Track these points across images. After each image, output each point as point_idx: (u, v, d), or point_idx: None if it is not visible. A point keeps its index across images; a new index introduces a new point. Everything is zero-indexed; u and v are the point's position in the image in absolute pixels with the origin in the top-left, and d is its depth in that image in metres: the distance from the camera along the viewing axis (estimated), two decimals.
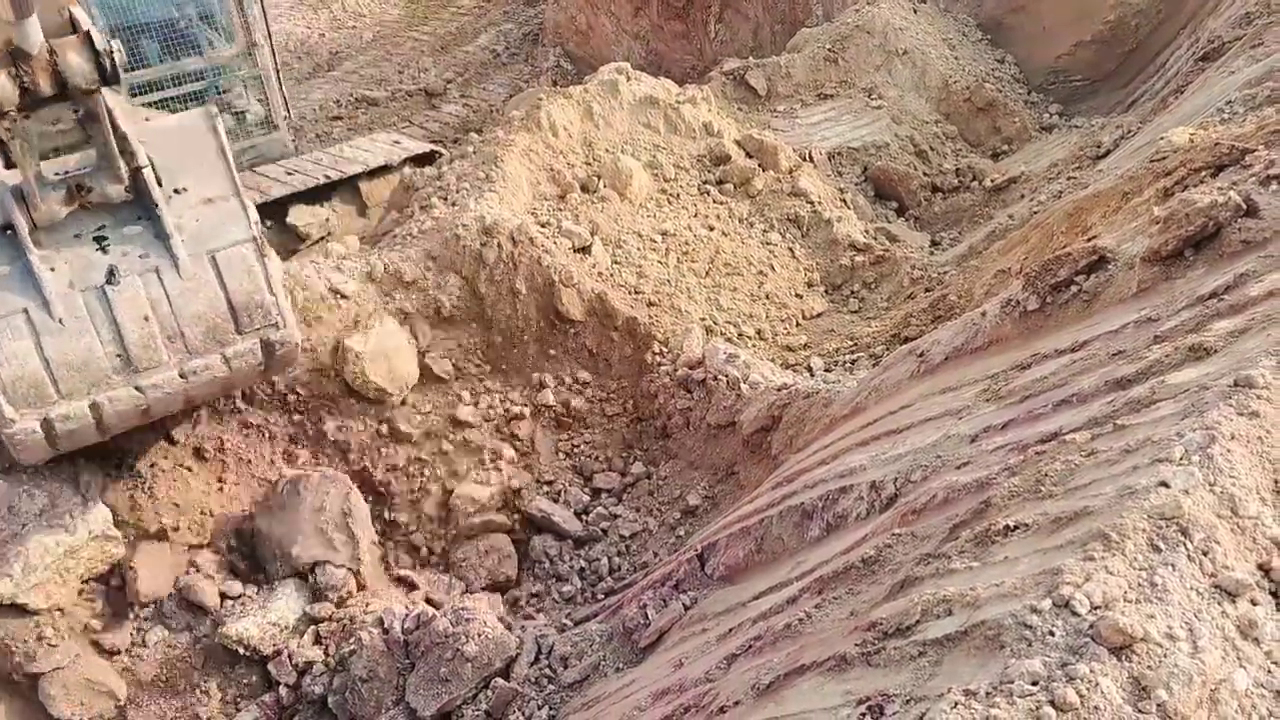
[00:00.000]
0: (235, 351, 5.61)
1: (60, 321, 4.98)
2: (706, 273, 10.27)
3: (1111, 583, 3.02)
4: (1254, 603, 3.10)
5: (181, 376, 5.43)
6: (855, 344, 9.64)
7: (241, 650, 7.06)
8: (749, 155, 11.55)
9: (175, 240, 5.11)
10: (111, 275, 4.91)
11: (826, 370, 9.22)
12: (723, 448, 8.34)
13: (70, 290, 5.00)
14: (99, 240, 5.13)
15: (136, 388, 5.37)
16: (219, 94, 12.00)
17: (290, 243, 11.95)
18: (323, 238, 12.00)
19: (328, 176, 12.29)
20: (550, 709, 6.16)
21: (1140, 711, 2.74)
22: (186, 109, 11.66)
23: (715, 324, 9.76)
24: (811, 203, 11.18)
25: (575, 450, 8.98)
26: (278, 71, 12.47)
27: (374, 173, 12.64)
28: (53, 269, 5.00)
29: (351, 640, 6.89)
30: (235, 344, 5.61)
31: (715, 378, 8.67)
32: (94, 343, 5.07)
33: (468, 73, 18.34)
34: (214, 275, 5.33)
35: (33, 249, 4.97)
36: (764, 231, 10.93)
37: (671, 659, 5.46)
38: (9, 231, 5.08)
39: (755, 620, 4.92)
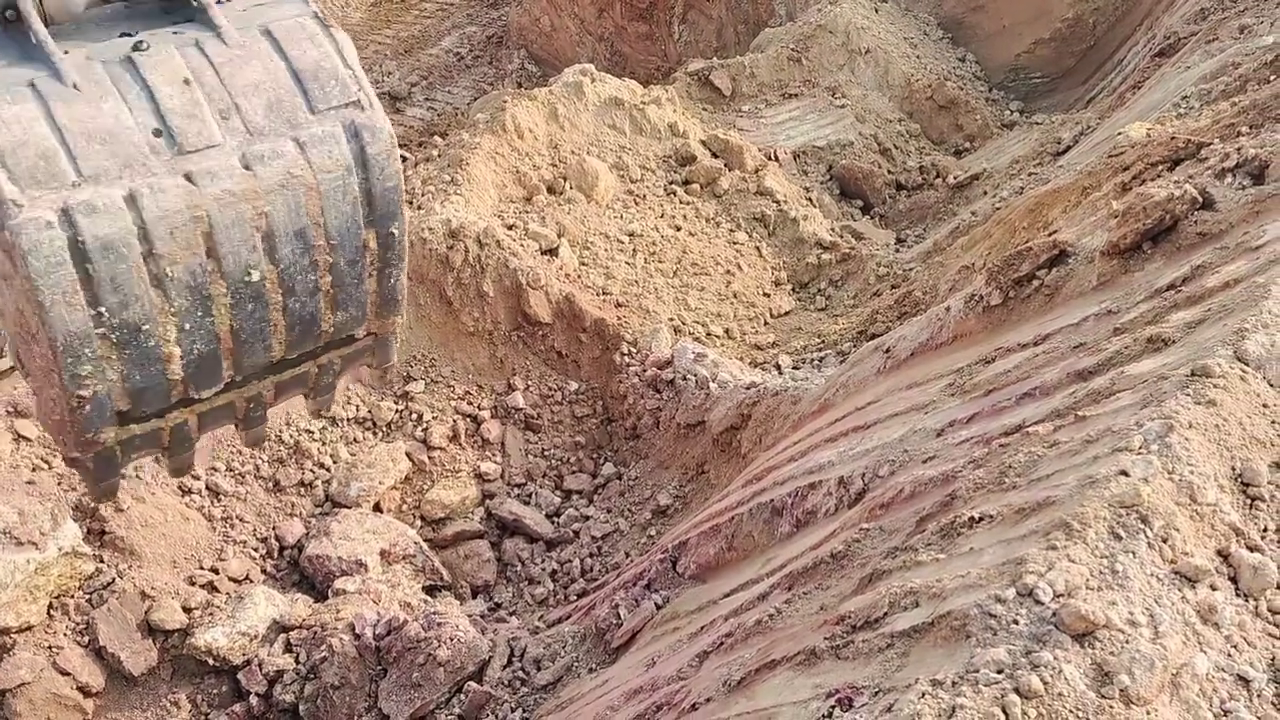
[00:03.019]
0: (311, 136, 4.16)
1: (75, 87, 3.80)
2: (674, 273, 10.29)
3: (1074, 571, 3.06)
4: (1213, 588, 3.16)
5: (245, 167, 4.02)
6: (823, 341, 9.70)
7: (211, 661, 7.00)
8: (714, 155, 11.59)
9: (215, 11, 4.01)
10: (139, 45, 3.78)
11: (794, 368, 9.27)
12: (692, 447, 8.37)
13: (88, 61, 3.90)
14: (125, 36, 4.01)
15: (187, 176, 3.99)
16: None
17: None
18: None
19: None
20: (524, 711, 6.15)
21: (1103, 697, 2.78)
22: None
23: (683, 324, 9.79)
24: (778, 202, 11.23)
25: (546, 452, 8.98)
26: None
27: None
28: (66, 52, 3.88)
29: (323, 647, 6.85)
30: (310, 126, 4.16)
31: (684, 377, 8.69)
32: (120, 109, 3.82)
33: (432, 76, 18.27)
34: (269, 45, 4.12)
35: (41, 28, 3.87)
36: (731, 231, 10.97)
37: (644, 658, 5.47)
38: (13, 20, 3.91)
39: (726, 617, 4.94)
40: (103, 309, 4.00)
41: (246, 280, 4.35)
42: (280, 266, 4.41)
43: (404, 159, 12.84)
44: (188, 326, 4.29)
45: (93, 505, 7.34)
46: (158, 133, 3.85)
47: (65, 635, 7.04)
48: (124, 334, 4.13)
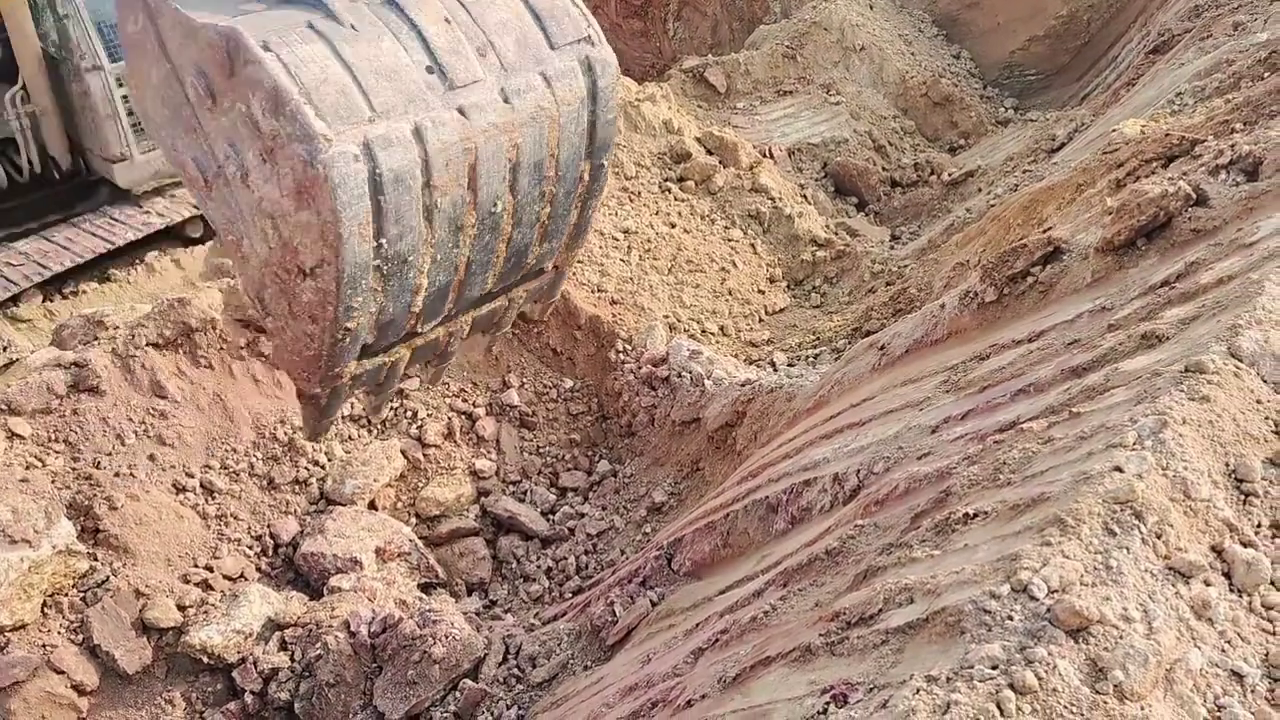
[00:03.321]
0: (555, 71, 4.39)
1: (353, 28, 3.88)
2: (669, 270, 10.29)
3: (1068, 567, 3.06)
4: (1207, 584, 3.16)
5: (504, 100, 4.22)
6: (817, 338, 9.71)
7: (205, 659, 6.99)
8: (709, 152, 11.59)
9: None
10: None
11: (789, 365, 9.27)
12: (687, 444, 8.37)
13: (354, 2, 3.98)
14: None
15: (459, 110, 4.14)
16: None
17: None
18: None
19: None
20: (519, 709, 6.15)
21: (1097, 692, 2.79)
22: None
23: (678, 321, 9.79)
24: (772, 199, 11.23)
25: (541, 450, 8.98)
26: None
27: None
28: None
29: (317, 645, 6.84)
30: (552, 61, 4.42)
31: (679, 374, 8.69)
32: (396, 47, 3.95)
33: None
34: None
35: None
36: (725, 228, 10.97)
37: (639, 655, 5.47)
38: None
39: (722, 614, 4.94)
40: (383, 240, 3.99)
41: (491, 211, 4.39)
42: (517, 198, 4.45)
43: None
44: (439, 258, 4.30)
45: (87, 503, 7.33)
46: (430, 69, 4.00)
47: (59, 634, 7.03)
48: (393, 265, 4.10)
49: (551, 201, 4.60)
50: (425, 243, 4.09)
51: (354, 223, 3.72)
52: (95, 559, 7.28)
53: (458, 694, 6.33)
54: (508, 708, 6.13)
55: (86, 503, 7.35)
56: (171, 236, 11.53)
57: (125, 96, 11.08)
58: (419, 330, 4.43)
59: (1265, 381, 3.75)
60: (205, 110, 3.97)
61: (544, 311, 5.42)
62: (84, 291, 10.96)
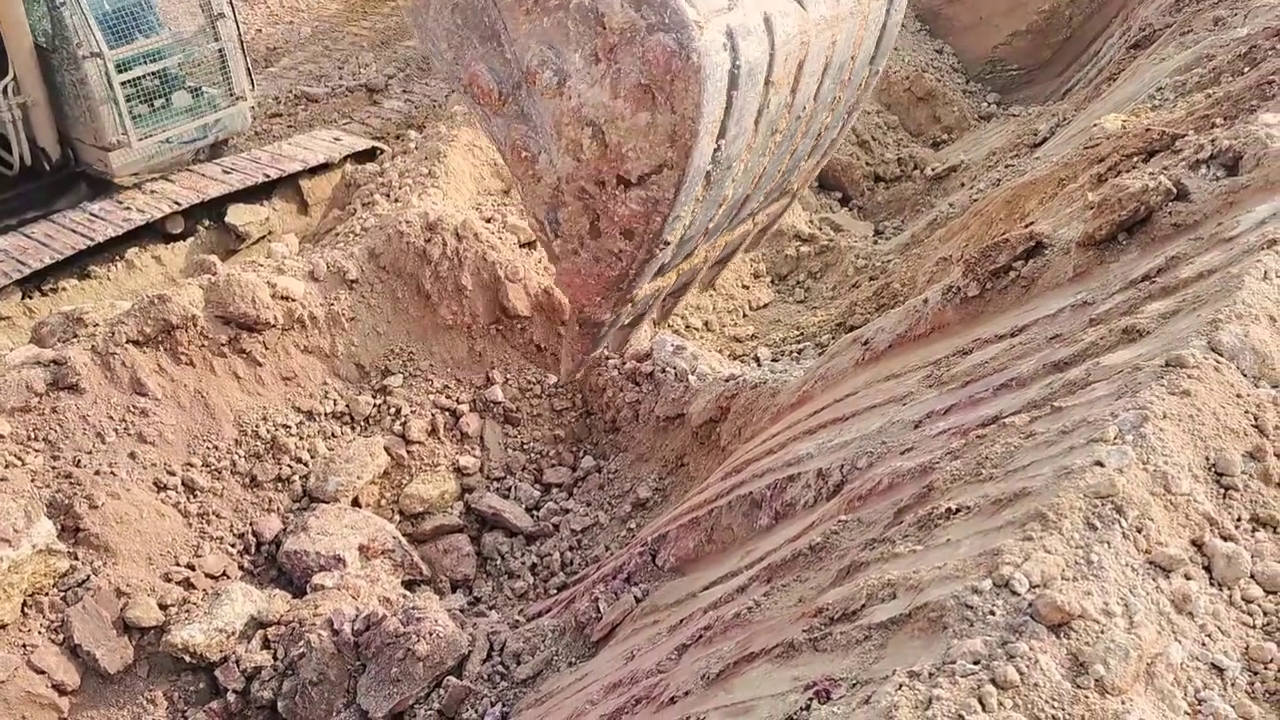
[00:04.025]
0: None
1: None
2: None
3: (1049, 561, 3.07)
4: (1188, 577, 3.18)
5: None
6: (801, 333, 9.72)
7: (188, 658, 6.95)
8: None
9: None
10: None
11: (774, 360, 9.28)
12: (672, 440, 8.36)
13: None
14: None
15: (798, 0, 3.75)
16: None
17: (229, 243, 11.76)
18: (263, 237, 11.82)
19: (267, 175, 12.09)
20: (504, 705, 6.14)
21: (1079, 687, 2.79)
22: (161, 90, 11.50)
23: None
24: None
25: (525, 446, 8.96)
26: (242, 42, 12.26)
27: (315, 170, 12.47)
28: None
29: (301, 643, 6.81)
30: None
31: (663, 370, 8.69)
32: None
33: (409, 68, 18.14)
34: None
35: None
36: None
37: (623, 651, 5.46)
38: None
39: (705, 610, 4.94)
40: (722, 142, 3.74)
41: (799, 115, 4.16)
42: (818, 102, 4.22)
43: (381, 151, 12.78)
44: (748, 166, 4.07)
45: (67, 502, 7.27)
46: None
47: (40, 633, 6.98)
48: (719, 171, 3.84)
49: (833, 109, 4.35)
50: (748, 148, 3.83)
51: (710, 119, 3.44)
52: (76, 558, 7.23)
53: (441, 691, 6.31)
54: (492, 705, 6.12)
55: (67, 501, 7.30)
56: (152, 233, 11.45)
57: (125, 83, 11.07)
58: (700, 248, 4.21)
59: (1245, 375, 3.77)
60: (519, 13, 3.68)
61: (755, 244, 5.05)
62: (63, 288, 10.88)
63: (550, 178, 3.83)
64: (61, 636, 6.98)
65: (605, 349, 4.77)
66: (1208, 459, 3.51)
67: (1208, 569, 3.24)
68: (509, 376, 9.08)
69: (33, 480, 7.36)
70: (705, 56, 3.34)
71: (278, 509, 8.07)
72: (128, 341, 8.02)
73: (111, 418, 7.81)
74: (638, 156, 3.54)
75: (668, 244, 3.84)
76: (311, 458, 8.33)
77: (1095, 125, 8.53)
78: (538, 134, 3.80)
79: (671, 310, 4.83)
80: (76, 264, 10.98)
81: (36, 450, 7.52)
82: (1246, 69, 7.80)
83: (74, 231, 11.05)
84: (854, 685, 3.15)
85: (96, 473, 7.54)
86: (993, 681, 2.81)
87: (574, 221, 3.90)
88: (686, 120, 3.39)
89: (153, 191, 11.70)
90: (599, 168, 3.65)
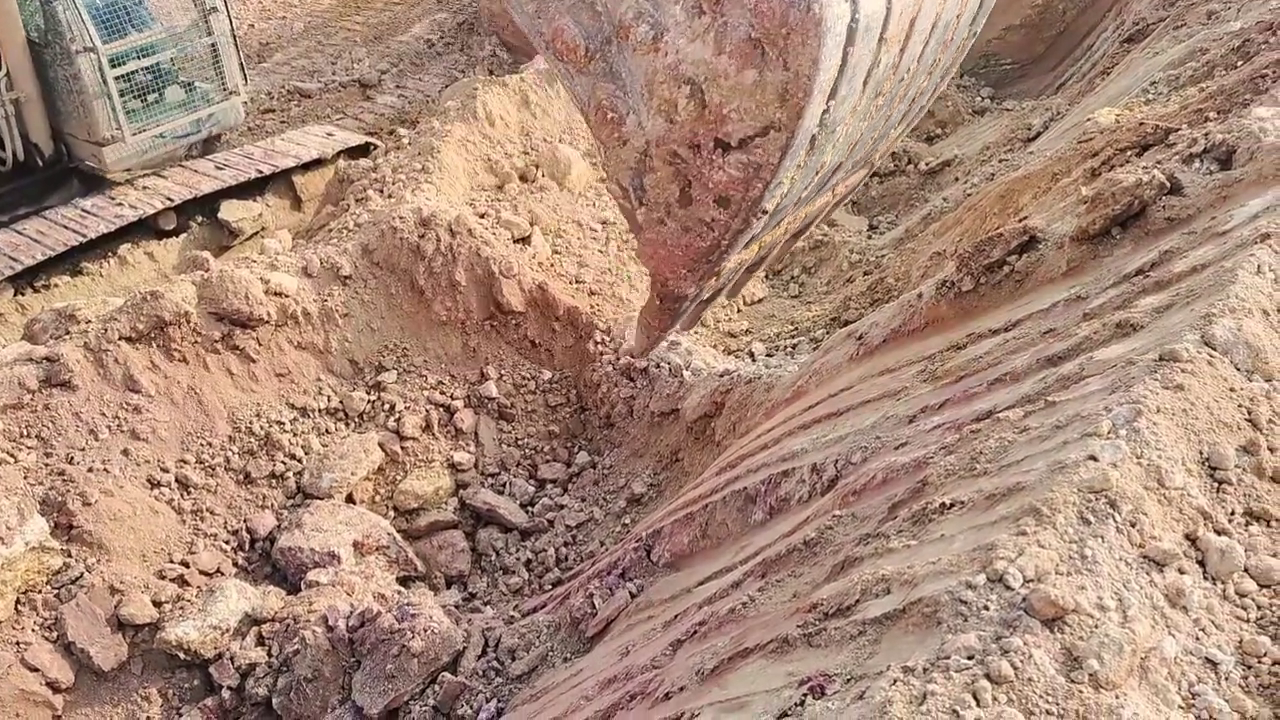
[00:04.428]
0: None
1: None
2: None
3: (1043, 556, 3.07)
4: (1181, 572, 3.17)
5: None
6: (796, 328, 9.71)
7: (182, 655, 6.94)
8: None
9: None
10: None
11: (768, 355, 9.27)
12: (666, 435, 8.36)
13: None
14: None
15: None
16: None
17: (222, 239, 11.73)
18: (256, 233, 11.79)
19: (260, 171, 12.07)
20: (499, 701, 6.14)
21: (1073, 681, 2.79)
22: (154, 85, 11.48)
23: None
24: None
25: (519, 442, 8.95)
26: (234, 36, 12.24)
27: (308, 166, 12.44)
28: None
29: (295, 640, 6.80)
30: None
31: (657, 365, 8.68)
32: None
33: (402, 63, 18.10)
34: None
35: None
36: None
37: (618, 647, 5.46)
38: None
39: (700, 605, 4.93)
40: (831, 103, 3.47)
41: (903, 78, 3.88)
42: (919, 65, 3.94)
43: (374, 147, 12.75)
44: (848, 131, 3.81)
45: (60, 499, 7.25)
46: None
47: (33, 631, 6.97)
48: (824, 135, 3.54)
49: (930, 72, 4.13)
50: (852, 110, 3.59)
51: (825, 78, 3.18)
52: (69, 555, 7.21)
53: (437, 687, 6.30)
54: (487, 700, 6.12)
55: (60, 499, 7.28)
56: (145, 229, 11.42)
57: (118, 78, 11.05)
58: (787, 219, 3.97)
59: (1238, 369, 3.77)
60: None
61: (827, 218, 4.79)
62: (55, 285, 10.85)
63: (638, 141, 3.61)
64: (55, 634, 6.97)
65: (680, 326, 4.49)
66: (1201, 453, 3.51)
67: (1201, 563, 3.24)
68: (503, 372, 9.07)
69: (25, 477, 7.33)
70: (826, 8, 3.11)
71: (272, 505, 8.06)
72: (120, 338, 8.00)
73: (104, 414, 7.79)
74: (740, 118, 3.33)
75: (765, 213, 3.62)
76: (305, 454, 8.31)
77: (1089, 119, 8.53)
78: (627, 94, 3.55)
79: (743, 286, 4.60)
80: (69, 260, 10.96)
81: (29, 447, 7.50)
82: (1240, 63, 7.80)
83: (66, 228, 11.03)
84: (848, 681, 3.14)
85: (89, 470, 7.52)
86: (987, 676, 2.80)
87: (662, 188, 3.64)
88: (801, 78, 3.16)
89: (145, 187, 11.68)
90: (695, 130, 3.43)
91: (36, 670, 6.80)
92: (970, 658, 2.88)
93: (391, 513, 8.36)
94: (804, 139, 3.36)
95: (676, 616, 5.12)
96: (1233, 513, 3.40)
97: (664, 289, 4.16)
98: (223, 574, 7.61)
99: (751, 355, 9.33)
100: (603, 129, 3.71)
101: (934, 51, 3.98)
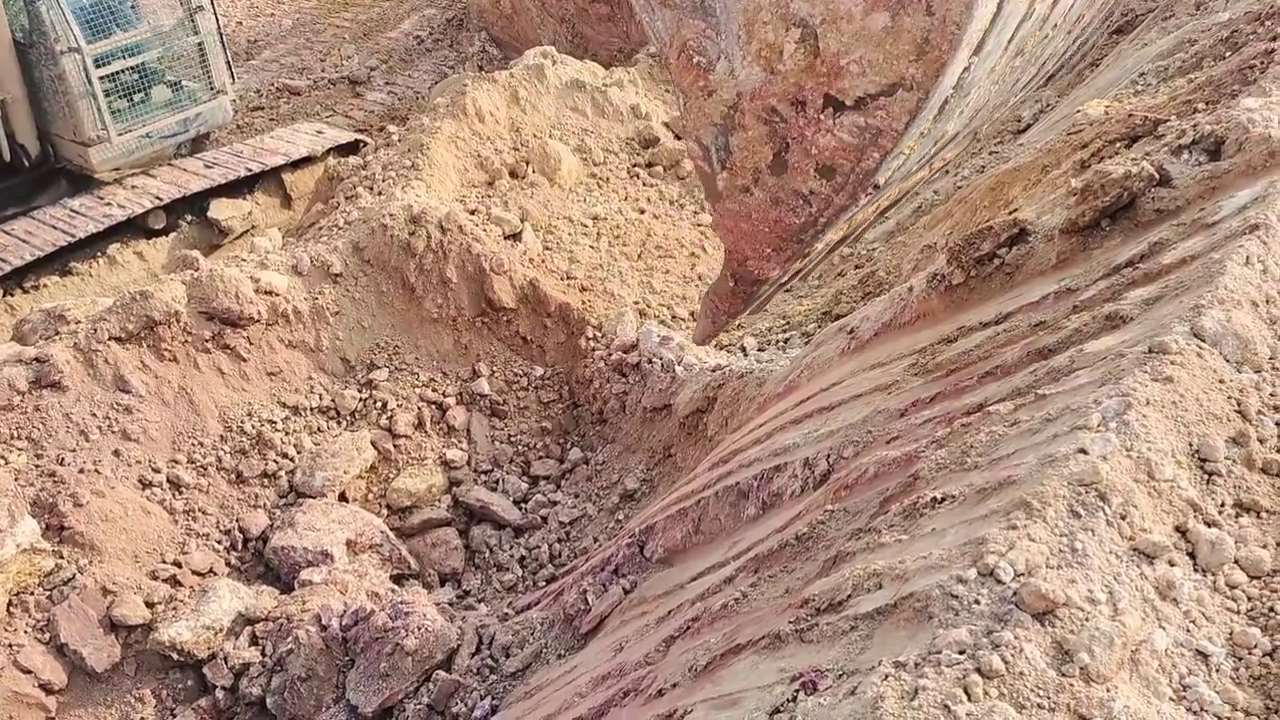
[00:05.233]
0: None
1: None
2: (639, 255, 10.25)
3: (1034, 550, 3.07)
4: (1171, 564, 3.18)
5: None
6: (787, 323, 9.71)
7: (175, 655, 6.92)
8: (677, 136, 11.54)
9: None
10: None
11: (760, 350, 9.27)
12: (659, 430, 8.36)
13: None
14: None
15: None
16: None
17: (212, 238, 11.70)
18: (246, 232, 11.76)
19: (249, 169, 12.03)
20: (493, 699, 6.13)
21: (1063, 675, 2.79)
22: (140, 84, 11.45)
23: (649, 307, 9.76)
24: None
25: (512, 438, 8.94)
26: (221, 34, 12.18)
27: (297, 164, 12.41)
28: None
29: (289, 639, 6.79)
30: None
31: (650, 361, 8.67)
32: None
33: (391, 59, 18.05)
34: None
35: None
36: (695, 213, 10.94)
37: (612, 644, 5.46)
38: None
39: (693, 601, 4.93)
40: (975, 60, 2.90)
41: (1045, 36, 3.39)
42: (1064, 20, 3.43)
43: (364, 144, 12.71)
44: (979, 96, 3.31)
45: (51, 500, 7.23)
46: None
47: (26, 633, 6.95)
48: (956, 99, 3.08)
49: (1069, 33, 3.73)
50: (990, 70, 3.13)
51: (976, 27, 2.63)
52: (61, 557, 7.20)
53: (431, 685, 6.30)
54: (481, 698, 6.12)
55: (51, 500, 7.26)
56: (134, 228, 11.38)
57: (103, 78, 11.01)
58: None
59: (1228, 361, 3.77)
60: None
61: (909, 198, 4.25)
62: (45, 285, 10.81)
63: (727, 92, 3.09)
64: (48, 636, 6.95)
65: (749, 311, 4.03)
66: (1191, 445, 3.51)
67: (1192, 555, 3.24)
68: (495, 369, 9.06)
69: (16, 479, 7.31)
70: None
71: (264, 505, 8.04)
72: (110, 338, 7.97)
73: (95, 415, 7.76)
74: (862, 71, 2.83)
75: (877, 188, 3.15)
76: (298, 453, 8.30)
77: (1078, 111, 8.53)
78: (719, 34, 3.00)
79: (809, 272, 4.18)
80: (57, 261, 10.91)
81: (19, 449, 7.47)
82: (1228, 53, 7.80)
83: (54, 228, 10.98)
84: (840, 676, 3.14)
85: (80, 471, 7.49)
86: (978, 671, 2.80)
87: (751, 151, 3.10)
88: (949, 26, 2.65)
89: (134, 187, 11.63)
90: (801, 82, 2.89)
91: (29, 672, 6.78)
92: (961, 652, 2.88)
93: (384, 511, 8.35)
94: (936, 101, 2.89)
95: (670, 612, 5.12)
96: (1223, 504, 3.40)
97: (741, 269, 3.67)
98: (215, 574, 7.59)
99: (743, 350, 9.33)
100: (685, 74, 3.19)
101: (1080, 5, 3.50)
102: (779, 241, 3.22)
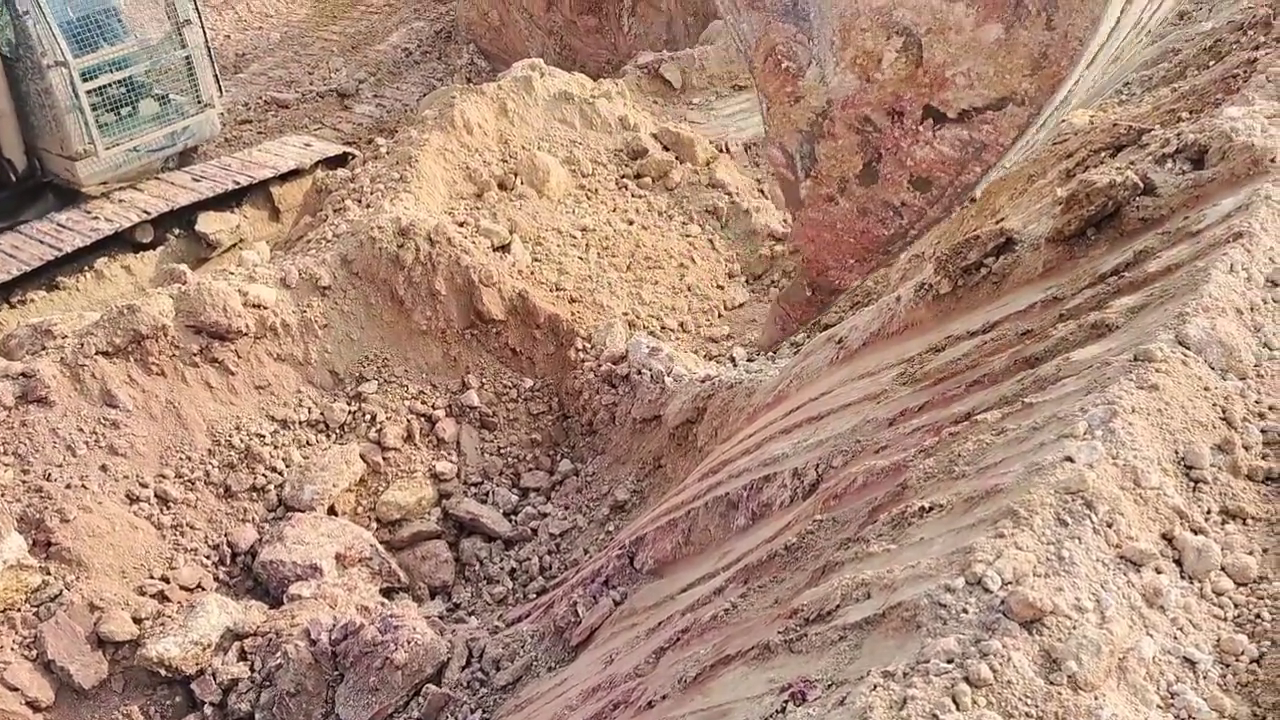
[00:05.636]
0: None
1: None
2: (628, 267, 10.26)
3: (1021, 558, 3.07)
4: (1158, 571, 3.19)
5: None
6: None
7: (163, 671, 6.88)
8: (666, 148, 11.56)
9: None
10: None
11: (749, 360, 9.28)
12: (649, 441, 8.35)
13: None
14: None
15: None
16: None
17: (200, 251, 11.67)
18: (234, 245, 11.74)
19: (237, 182, 12.01)
20: (484, 712, 6.11)
21: (1051, 683, 2.80)
22: (127, 98, 11.43)
23: (638, 318, 9.77)
24: (730, 194, 11.24)
25: (502, 450, 8.92)
26: (209, 48, 12.18)
27: (286, 176, 12.40)
28: None
29: (278, 654, 6.75)
30: None
31: (639, 372, 8.67)
32: None
33: (380, 72, 18.07)
34: None
35: None
36: (683, 224, 10.96)
37: (602, 655, 5.45)
38: None
39: (683, 612, 4.93)
40: (1085, 74, 2.85)
41: (1137, 39, 3.23)
42: (1151, 20, 3.34)
43: (352, 157, 12.70)
44: (1049, 120, 3.26)
45: (38, 516, 7.19)
46: None
47: (13, 650, 6.90)
48: (1059, 111, 2.89)
49: (1147, 33, 3.55)
50: (1091, 83, 3.05)
51: (1097, 41, 2.51)
52: (48, 573, 7.15)
53: (421, 699, 6.28)
54: (471, 712, 6.09)
55: (37, 516, 7.22)
56: (121, 242, 11.35)
57: (90, 91, 10.99)
58: None
59: (1212, 369, 3.79)
60: None
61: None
62: (32, 300, 10.77)
63: (816, 99, 3.00)
64: (34, 652, 6.90)
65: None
66: (1177, 452, 3.52)
67: (1178, 562, 3.25)
68: (484, 381, 9.05)
69: (2, 495, 7.27)
70: None
71: (253, 519, 8.01)
72: (97, 353, 7.94)
73: (82, 430, 7.73)
74: (970, 84, 2.73)
75: (974, 201, 3.07)
76: (286, 466, 8.27)
77: (1064, 121, 8.57)
78: (811, 39, 2.89)
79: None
80: (44, 275, 10.88)
81: (6, 464, 7.43)
82: (1212, 63, 7.86)
83: (41, 242, 10.95)
84: (829, 686, 3.14)
85: (68, 486, 7.46)
86: (966, 680, 2.80)
87: (839, 160, 3.02)
88: (1070, 42, 2.53)
89: (121, 200, 11.61)
90: (900, 92, 2.78)
91: (16, 689, 6.73)
92: (950, 661, 2.88)
93: (374, 524, 8.32)
94: (1045, 117, 2.75)
95: (660, 624, 5.11)
96: (1209, 511, 3.41)
97: (821, 278, 3.57)
98: (204, 589, 7.55)
99: (733, 360, 9.34)
100: (772, 80, 3.02)
101: (1169, 9, 3.40)
102: (864, 252, 3.12)
